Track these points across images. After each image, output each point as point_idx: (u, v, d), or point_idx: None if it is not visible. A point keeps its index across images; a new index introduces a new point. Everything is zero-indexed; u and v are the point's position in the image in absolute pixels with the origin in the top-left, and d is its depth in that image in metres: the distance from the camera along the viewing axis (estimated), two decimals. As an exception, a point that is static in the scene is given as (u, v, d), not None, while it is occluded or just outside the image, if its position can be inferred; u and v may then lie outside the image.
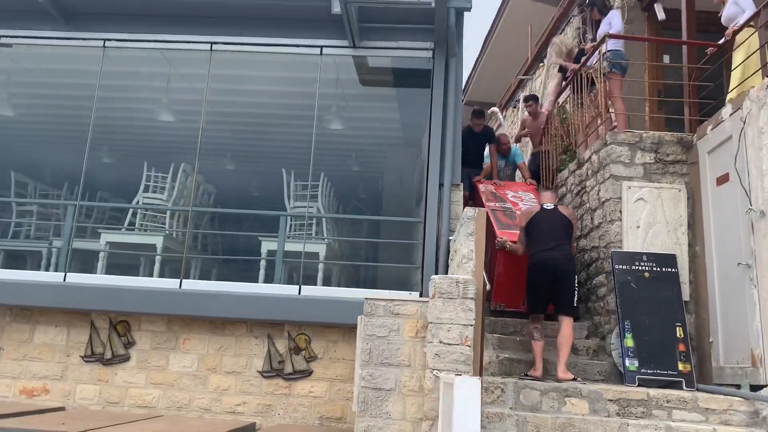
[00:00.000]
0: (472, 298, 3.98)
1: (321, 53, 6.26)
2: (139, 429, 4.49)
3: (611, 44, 6.37)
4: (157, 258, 6.84)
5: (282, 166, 7.89)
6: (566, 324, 4.79)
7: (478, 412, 2.06)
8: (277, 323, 5.57)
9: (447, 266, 5.62)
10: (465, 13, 6.19)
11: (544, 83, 11.35)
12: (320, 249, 7.04)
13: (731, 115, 5.09)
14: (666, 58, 7.95)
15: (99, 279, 5.86)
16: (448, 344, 3.91)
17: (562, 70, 7.37)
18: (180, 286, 5.75)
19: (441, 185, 5.80)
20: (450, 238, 5.68)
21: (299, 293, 5.69)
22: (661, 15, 7.66)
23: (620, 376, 5.20)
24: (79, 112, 7.95)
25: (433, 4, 5.41)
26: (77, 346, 5.69)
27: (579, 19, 9.68)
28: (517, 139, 8.99)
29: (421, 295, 5.59)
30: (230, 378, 5.52)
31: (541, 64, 11.55)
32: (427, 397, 3.90)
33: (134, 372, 5.60)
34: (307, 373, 5.46)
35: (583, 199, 6.47)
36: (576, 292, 5.05)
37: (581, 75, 6.80)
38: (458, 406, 2.07)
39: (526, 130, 8.55)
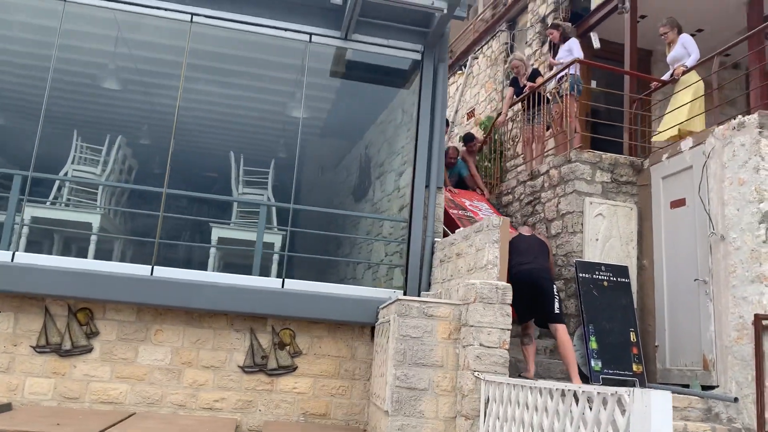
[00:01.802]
0: (509, 304, 4.18)
1: (310, 41, 6.09)
2: (131, 428, 4.15)
3: (572, 69, 6.90)
4: (93, 238, 6.28)
5: (233, 150, 7.58)
6: (561, 332, 5.09)
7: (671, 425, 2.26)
8: (260, 317, 5.39)
9: (431, 267, 5.78)
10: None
11: (461, 91, 11.87)
12: (276, 239, 6.87)
13: (691, 148, 5.79)
14: (593, 83, 8.73)
15: (56, 261, 5.25)
16: (488, 347, 4.09)
17: (514, 84, 7.80)
18: (152, 273, 5.33)
19: (427, 186, 5.93)
20: (436, 239, 5.84)
21: (282, 287, 5.53)
22: (596, 44, 8.37)
23: (582, 375, 5.71)
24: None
25: (445, 10, 5.51)
26: (27, 335, 5.07)
27: (507, 34, 10.27)
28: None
29: (405, 294, 5.69)
30: (208, 373, 5.24)
31: (460, 71, 12.05)
32: (468, 398, 4.05)
33: (97, 365, 5.11)
34: (291, 369, 5.34)
35: (536, 209, 6.95)
36: (557, 300, 5.41)
37: (537, 93, 7.29)
38: (656, 419, 2.25)
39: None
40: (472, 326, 4.12)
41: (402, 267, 5.92)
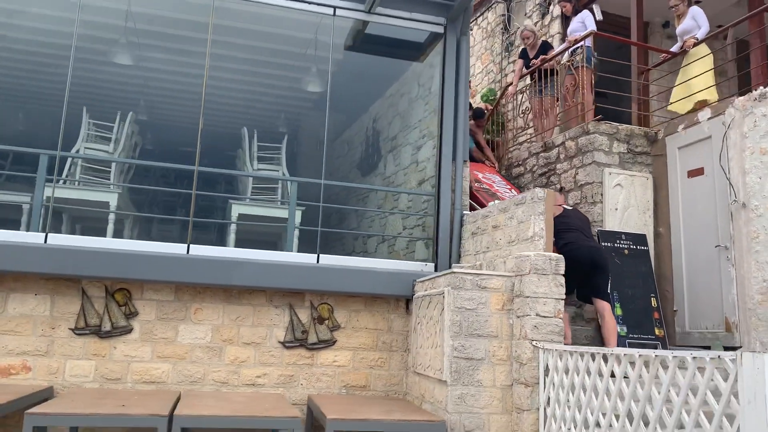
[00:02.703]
0: (562, 274, 4.31)
1: (334, 14, 6.02)
2: (195, 405, 4.16)
3: (587, 41, 6.99)
4: (111, 217, 6.19)
5: (246, 126, 7.50)
6: (608, 311, 5.14)
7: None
8: (298, 292, 5.41)
9: (460, 239, 5.87)
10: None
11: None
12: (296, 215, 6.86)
13: (710, 118, 5.96)
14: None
15: (90, 241, 5.15)
16: (544, 317, 4.21)
17: (524, 56, 7.86)
18: (188, 252, 5.29)
19: (453, 160, 5.99)
20: (464, 212, 5.92)
21: (317, 262, 5.55)
22: (598, 16, 8.45)
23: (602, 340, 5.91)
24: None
25: (476, -16, 5.50)
26: (65, 317, 4.99)
27: (504, 6, 10.28)
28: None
29: (436, 268, 5.78)
30: (249, 349, 5.26)
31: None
32: (527, 366, 4.18)
33: (137, 345, 5.08)
34: (331, 343, 5.40)
35: (551, 180, 7.08)
36: (609, 280, 5.48)
37: (550, 65, 7.37)
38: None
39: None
40: (527, 297, 4.23)
41: (425, 240, 6.00)
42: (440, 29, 6.23)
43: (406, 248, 7.03)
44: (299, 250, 5.95)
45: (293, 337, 5.34)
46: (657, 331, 5.95)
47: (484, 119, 8.43)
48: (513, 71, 8.63)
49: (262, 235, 7.55)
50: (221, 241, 6.98)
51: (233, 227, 6.50)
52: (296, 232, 6.55)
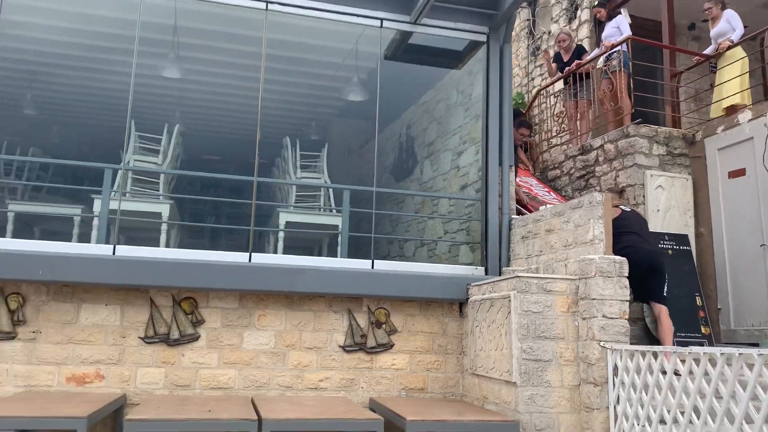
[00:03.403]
0: (627, 276, 4.44)
1: (381, 26, 6.17)
2: (274, 409, 4.30)
3: (623, 46, 7.13)
4: (163, 227, 6.35)
5: (283, 134, 7.66)
6: (665, 314, 5.24)
7: None
8: (356, 298, 5.55)
9: (509, 243, 6.01)
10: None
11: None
12: (339, 221, 7.01)
13: (750, 120, 6.10)
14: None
15: (156, 252, 5.30)
16: (611, 318, 4.35)
17: (558, 59, 8.00)
18: (249, 260, 5.44)
19: (500, 165, 6.12)
20: (513, 216, 6.06)
21: (372, 267, 5.69)
22: (627, 20, 8.60)
23: (650, 339, 6.04)
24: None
25: (523, -6, 5.65)
26: (135, 326, 5.14)
27: (529, 11, 10.42)
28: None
29: (486, 272, 5.92)
30: (311, 354, 5.41)
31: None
32: (595, 366, 4.32)
33: (204, 352, 5.22)
34: (388, 346, 5.54)
35: (590, 183, 7.22)
36: (666, 283, 5.58)
37: (585, 69, 7.51)
38: None
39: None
40: (594, 299, 4.36)
41: (470, 244, 6.15)
42: (483, 38, 6.37)
43: (449, 252, 7.18)
44: (341, 256, 6.11)
45: (353, 341, 5.48)
46: (703, 330, 6.09)
47: (516, 121, 8.56)
48: (544, 66, 8.74)
49: (301, 241, 7.71)
50: (262, 248, 7.13)
51: (281, 235, 6.65)
52: (338, 238, 6.72)
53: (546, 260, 5.33)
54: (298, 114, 9.16)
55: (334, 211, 7.31)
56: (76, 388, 4.95)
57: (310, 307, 5.47)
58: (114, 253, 5.19)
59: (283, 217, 6.79)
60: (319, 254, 7.74)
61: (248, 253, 5.46)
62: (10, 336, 4.92)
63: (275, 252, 6.70)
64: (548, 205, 5.78)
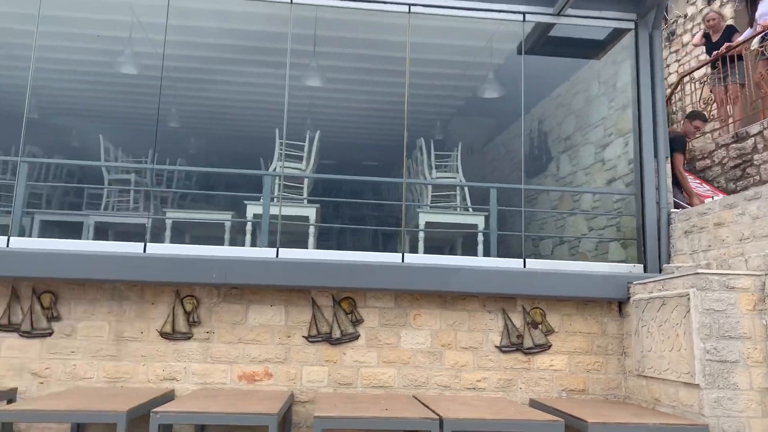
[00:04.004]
0: (823, 272, 4.10)
1: (524, 20, 6.07)
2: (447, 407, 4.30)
3: (783, 24, 6.62)
4: (311, 230, 6.53)
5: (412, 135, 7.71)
6: None
7: None
8: (510, 297, 5.47)
9: (668, 239, 5.72)
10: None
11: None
12: (478, 220, 6.96)
13: None
14: None
15: (316, 254, 5.48)
16: (807, 316, 4.02)
17: (707, 41, 7.54)
18: (402, 260, 5.50)
19: (655, 157, 5.85)
20: (672, 210, 5.77)
21: (524, 266, 5.60)
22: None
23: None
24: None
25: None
26: (299, 326, 5.33)
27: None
28: None
29: (645, 269, 5.67)
30: (467, 354, 5.39)
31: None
32: (792, 368, 4.01)
33: (364, 351, 5.33)
34: (546, 347, 5.43)
35: (747, 172, 6.74)
36: None
37: (737, 51, 7.03)
38: None
39: None
40: (786, 296, 4.06)
41: (622, 240, 5.91)
42: (630, 25, 6.11)
43: (595, 250, 6.94)
44: (491, 255, 6.04)
45: (509, 341, 5.41)
46: None
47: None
48: (681, 52, 8.30)
49: (433, 241, 7.72)
50: (394, 249, 7.21)
51: (421, 235, 6.68)
52: (480, 238, 6.67)
53: (716, 256, 5.03)
54: (423, 114, 9.21)
55: (470, 210, 7.27)
56: (247, 386, 5.20)
57: (464, 306, 5.46)
58: (277, 256, 5.40)
59: (423, 218, 6.83)
60: (452, 253, 7.73)
61: (401, 254, 5.53)
62: (187, 336, 5.23)
63: (416, 252, 6.76)
64: (714, 197, 5.44)
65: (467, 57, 7.64)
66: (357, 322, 5.36)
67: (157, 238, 6.85)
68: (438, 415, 3.94)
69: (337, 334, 5.32)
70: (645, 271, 5.65)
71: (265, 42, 7.12)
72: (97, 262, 5.09)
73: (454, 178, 7.50)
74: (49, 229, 7.64)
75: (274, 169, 7.03)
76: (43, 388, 5.04)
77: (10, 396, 4.82)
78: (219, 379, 5.20)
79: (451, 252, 7.90)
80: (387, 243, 10.16)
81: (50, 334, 5.12)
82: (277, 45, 6.95)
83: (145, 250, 5.29)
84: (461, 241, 7.69)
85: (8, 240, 5.19)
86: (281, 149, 7.23)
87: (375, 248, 9.69)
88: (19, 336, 5.09)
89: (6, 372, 5.03)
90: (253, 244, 6.37)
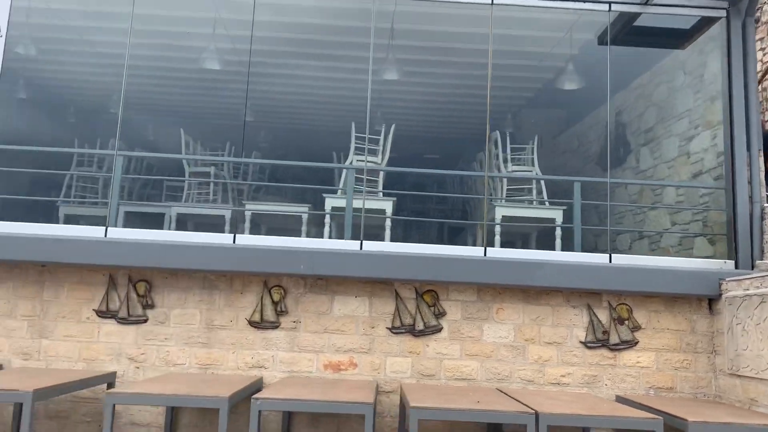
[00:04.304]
0: None
1: (609, 9, 5.94)
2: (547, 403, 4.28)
3: None
4: (387, 223, 6.58)
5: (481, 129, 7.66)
6: None
7: None
8: (595, 293, 5.39)
9: (762, 234, 5.52)
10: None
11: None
12: (557, 214, 6.87)
13: None
14: None
15: (398, 247, 5.52)
16: None
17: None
18: (485, 254, 5.49)
19: (748, 150, 5.65)
20: (765, 205, 5.57)
21: (610, 261, 5.50)
22: None
23: None
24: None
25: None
26: (382, 317, 5.39)
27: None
28: None
29: (736, 265, 5.50)
30: (551, 349, 5.34)
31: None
32: None
33: (447, 343, 5.35)
34: (632, 344, 5.33)
35: None
36: None
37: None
38: None
39: None
40: None
41: (708, 236, 5.73)
42: (721, 13, 5.91)
43: (679, 245, 6.76)
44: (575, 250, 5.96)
45: (594, 337, 5.34)
46: None
47: None
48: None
49: (505, 235, 7.66)
50: (465, 243, 7.19)
51: (497, 229, 6.64)
52: (558, 232, 6.59)
53: (818, 252, 4.83)
54: (493, 107, 9.13)
55: (547, 204, 7.19)
56: (332, 375, 5.30)
57: (547, 301, 5.41)
58: (361, 248, 5.47)
59: (499, 211, 6.78)
60: (524, 248, 7.65)
61: (483, 248, 5.51)
62: (275, 325, 5.36)
63: (492, 246, 6.73)
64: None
65: (542, 48, 7.54)
66: (440, 314, 5.38)
67: (236, 229, 7.05)
68: (533, 409, 3.92)
69: (420, 326, 5.35)
70: (736, 267, 5.48)
71: (334, 36, 7.20)
72: (189, 252, 5.26)
73: (530, 171, 7.41)
74: (131, 221, 7.94)
75: (350, 163, 7.11)
76: (139, 373, 5.26)
77: (110, 379, 5.05)
78: (305, 368, 5.31)
79: (524, 246, 7.83)
80: (454, 237, 10.15)
81: (145, 321, 5.33)
82: (346, 39, 7.03)
83: (234, 241, 5.44)
84: (535, 236, 7.62)
85: (106, 230, 5.42)
86: (358, 143, 7.33)
87: (441, 242, 9.66)
88: (116, 322, 5.32)
89: (105, 356, 5.27)
90: (331, 237, 6.48)
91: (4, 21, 5.71)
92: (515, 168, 7.44)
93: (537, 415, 3.87)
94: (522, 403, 4.15)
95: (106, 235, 5.40)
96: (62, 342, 5.30)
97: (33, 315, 5.33)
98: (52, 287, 5.37)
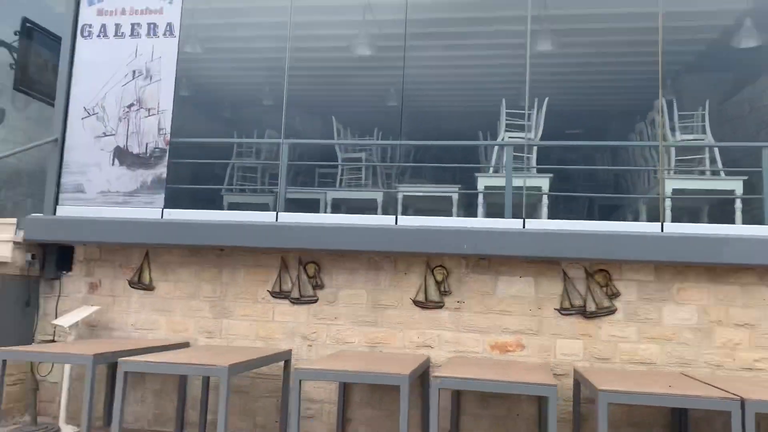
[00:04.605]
0: None
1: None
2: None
3: None
4: (544, 200, 6.31)
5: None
6: None
7: None
8: (792, 269, 4.86)
9: None
10: None
11: None
12: (736, 185, 6.27)
13: None
14: None
15: (564, 224, 5.28)
16: None
17: None
18: (662, 230, 5.12)
19: None
20: None
21: (802, 234, 4.93)
22: None
23: None
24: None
25: None
26: (549, 298, 5.20)
27: None
28: None
29: None
30: (742, 331, 4.90)
31: None
32: None
33: (622, 326, 5.07)
34: (838, 327, 4.75)
35: None
36: None
37: None
38: None
39: None
40: None
41: None
42: None
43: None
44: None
45: (794, 319, 4.81)
46: None
47: None
48: None
49: (674, 210, 7.13)
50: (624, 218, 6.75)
51: (668, 203, 6.17)
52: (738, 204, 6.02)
53: None
54: (650, 74, 8.55)
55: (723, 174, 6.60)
56: (499, 356, 5.21)
57: (736, 280, 4.96)
58: (524, 227, 5.31)
59: (669, 184, 6.31)
60: (693, 222, 7.08)
61: (660, 223, 5.15)
62: (439, 305, 5.35)
63: (658, 220, 6.29)
64: None
65: (709, 7, 6.92)
66: (613, 295, 5.11)
67: (385, 211, 7.12)
68: (737, 395, 3.60)
69: (591, 307, 5.11)
70: None
71: (479, 13, 7.02)
72: (354, 234, 5.36)
73: (702, 139, 6.84)
74: (288, 207, 8.27)
75: (502, 139, 6.94)
76: (312, 351, 5.47)
77: (286, 357, 5.28)
78: (471, 348, 5.26)
79: (692, 220, 7.26)
80: (607, 215, 9.63)
81: (315, 301, 5.52)
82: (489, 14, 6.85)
83: (396, 222, 5.48)
84: (706, 210, 7.03)
85: (276, 215, 5.66)
86: (509, 119, 7.13)
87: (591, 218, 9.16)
88: (290, 303, 5.56)
89: (281, 335, 5.53)
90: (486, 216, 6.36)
91: (177, 21, 6.09)
92: (684, 136, 6.89)
93: (743, 401, 3.54)
94: (720, 389, 3.82)
95: (277, 220, 5.65)
96: (240, 321, 5.62)
97: (213, 296, 5.71)
98: (230, 270, 5.71)
